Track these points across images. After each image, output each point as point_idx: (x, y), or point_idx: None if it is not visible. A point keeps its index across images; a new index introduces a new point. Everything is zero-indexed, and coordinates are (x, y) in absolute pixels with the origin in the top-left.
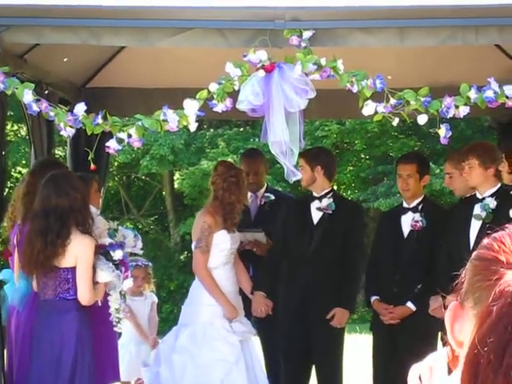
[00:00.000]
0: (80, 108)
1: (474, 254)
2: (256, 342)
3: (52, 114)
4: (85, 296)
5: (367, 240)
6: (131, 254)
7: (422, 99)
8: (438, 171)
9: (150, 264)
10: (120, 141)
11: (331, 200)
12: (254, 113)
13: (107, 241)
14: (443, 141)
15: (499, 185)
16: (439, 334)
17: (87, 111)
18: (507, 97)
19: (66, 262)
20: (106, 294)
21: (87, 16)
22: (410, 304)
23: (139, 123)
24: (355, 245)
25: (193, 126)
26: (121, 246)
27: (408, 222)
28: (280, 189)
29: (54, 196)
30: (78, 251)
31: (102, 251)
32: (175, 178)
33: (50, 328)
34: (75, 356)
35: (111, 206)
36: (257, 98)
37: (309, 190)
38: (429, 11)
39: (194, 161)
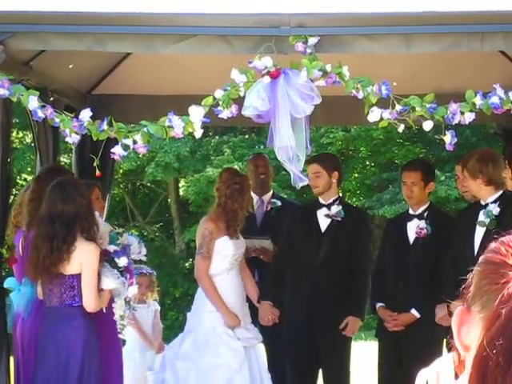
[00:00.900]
0: (85, 114)
1: (482, 257)
2: (262, 349)
3: (57, 120)
4: (90, 303)
5: (372, 247)
6: (136, 262)
7: (428, 105)
8: (443, 178)
9: (154, 272)
10: (125, 147)
11: (340, 207)
12: (259, 119)
13: (112, 248)
14: (449, 147)
15: (501, 191)
16: (444, 341)
17: (92, 118)
18: None
19: (71, 268)
20: (111, 301)
21: (92, 22)
22: (413, 311)
23: (145, 129)
24: (363, 252)
25: (198, 133)
26: (124, 249)
27: (413, 228)
28: (285, 196)
29: (60, 202)
30: (82, 258)
31: (106, 258)
32: (180, 185)
33: (55, 335)
34: (82, 363)
35: (116, 214)
36: (262, 103)
37: (314, 197)
38: (434, 17)
39: (199, 168)
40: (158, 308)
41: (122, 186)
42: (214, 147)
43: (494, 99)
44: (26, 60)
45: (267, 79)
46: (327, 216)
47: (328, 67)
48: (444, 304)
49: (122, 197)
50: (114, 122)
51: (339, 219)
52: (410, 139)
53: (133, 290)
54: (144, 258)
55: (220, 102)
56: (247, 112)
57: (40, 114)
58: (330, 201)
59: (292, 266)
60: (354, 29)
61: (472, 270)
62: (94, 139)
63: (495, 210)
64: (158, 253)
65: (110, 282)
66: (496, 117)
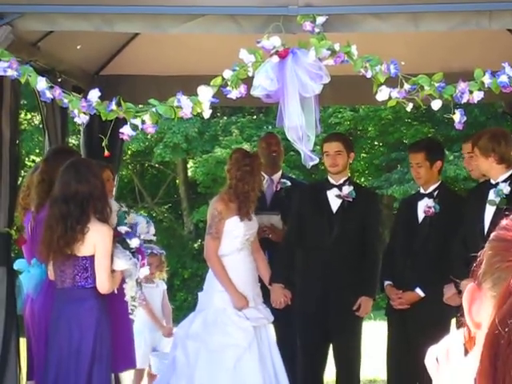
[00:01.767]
0: (94, 94)
1: (493, 234)
2: (272, 328)
3: (66, 100)
4: (104, 285)
5: (381, 227)
6: (144, 241)
7: (436, 84)
8: (451, 158)
9: (164, 252)
10: (134, 127)
11: (351, 188)
12: (268, 99)
13: (123, 229)
14: (458, 126)
15: None
16: (453, 320)
17: (101, 98)
18: None
19: (84, 250)
20: (122, 282)
21: (100, 3)
22: (418, 290)
23: (153, 109)
24: (373, 232)
25: (207, 113)
26: (131, 228)
27: (423, 208)
28: (294, 176)
29: (74, 182)
30: (96, 239)
31: (118, 239)
32: (189, 166)
33: (68, 317)
34: (94, 344)
35: (125, 195)
36: (271, 83)
37: (323, 178)
38: None
39: (207, 149)
40: (165, 287)
41: (130, 167)
42: (222, 128)
43: (503, 78)
44: (34, 41)
45: (276, 59)
46: (338, 196)
47: (336, 46)
48: (452, 283)
49: (131, 178)
50: (122, 101)
51: (350, 200)
52: (418, 119)
53: (144, 271)
54: (153, 238)
55: (229, 83)
56: (256, 92)
57: (48, 94)
58: (341, 181)
59: (302, 247)
60: (361, 8)
61: (482, 249)
62: (103, 119)
63: (506, 188)
64: (167, 234)
65: (122, 263)
66: (504, 95)
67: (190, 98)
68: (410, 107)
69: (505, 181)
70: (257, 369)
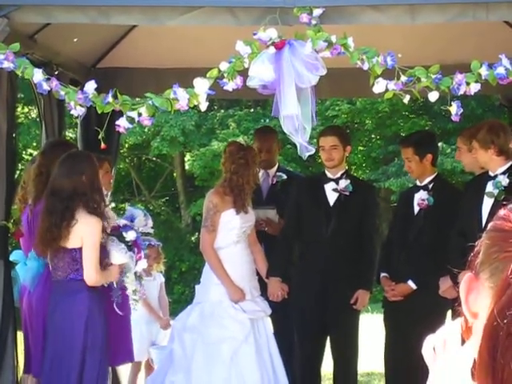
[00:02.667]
0: (90, 86)
1: (491, 224)
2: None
3: (62, 92)
4: (90, 277)
5: (378, 220)
6: (142, 234)
7: (433, 76)
8: (448, 151)
9: (161, 244)
10: (131, 120)
11: (348, 181)
12: (264, 89)
13: (122, 222)
14: (455, 118)
15: (511, 162)
16: (448, 313)
17: (97, 91)
18: None
19: (72, 242)
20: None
21: None
22: (410, 282)
23: (150, 102)
24: (371, 225)
25: (203, 106)
26: (132, 221)
27: (418, 200)
28: (291, 169)
29: (58, 177)
30: (83, 232)
31: (115, 233)
32: (186, 159)
33: (60, 309)
34: (85, 336)
35: (122, 188)
36: (267, 74)
37: (320, 171)
38: None
39: (204, 142)
40: (163, 280)
41: (127, 160)
42: (219, 121)
43: (500, 70)
44: (30, 34)
45: (272, 50)
46: (335, 190)
47: (333, 38)
48: (447, 276)
49: (128, 171)
50: (119, 94)
51: (347, 193)
52: (415, 112)
53: (142, 265)
54: (151, 231)
55: (225, 75)
56: (252, 83)
57: (45, 86)
58: (338, 175)
59: (300, 240)
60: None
61: (479, 239)
62: (99, 112)
63: (504, 180)
64: (164, 227)
65: (120, 256)
66: (501, 87)
67: (186, 90)
68: (407, 99)
69: (503, 173)
70: (254, 361)
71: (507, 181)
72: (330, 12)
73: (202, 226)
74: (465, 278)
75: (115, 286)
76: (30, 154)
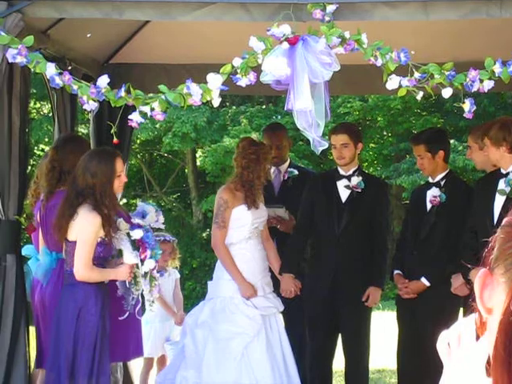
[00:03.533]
0: (103, 80)
1: (505, 220)
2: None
3: (75, 87)
4: (78, 271)
5: (390, 217)
6: (154, 230)
7: (447, 73)
8: (460, 148)
9: (176, 240)
10: (143, 114)
11: (360, 178)
12: (278, 85)
13: (136, 220)
14: (468, 115)
15: None
16: (461, 310)
17: (110, 87)
18: None
19: (71, 235)
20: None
21: None
22: (423, 279)
23: (162, 97)
24: (382, 222)
25: (216, 101)
26: (143, 216)
27: (430, 197)
28: (302, 166)
29: (82, 171)
30: (79, 226)
31: (126, 232)
32: (197, 155)
33: (60, 302)
34: (76, 331)
35: (134, 184)
36: (281, 69)
37: (332, 167)
38: None
39: (216, 138)
40: (178, 276)
41: (139, 156)
42: (231, 117)
43: None
44: (43, 29)
45: (285, 45)
46: (347, 187)
47: (347, 34)
48: (459, 274)
49: (140, 167)
50: (131, 89)
51: (359, 190)
52: (427, 109)
53: (149, 264)
54: (162, 226)
55: (238, 70)
56: (266, 78)
57: (58, 80)
58: (350, 172)
59: (312, 237)
60: None
61: (493, 235)
62: (112, 105)
63: None
64: (176, 223)
65: (131, 256)
66: None
67: (199, 86)
68: (420, 95)
69: None
70: (264, 357)
71: None
72: (343, 8)
73: (213, 222)
74: (479, 273)
75: (126, 294)
76: (42, 150)
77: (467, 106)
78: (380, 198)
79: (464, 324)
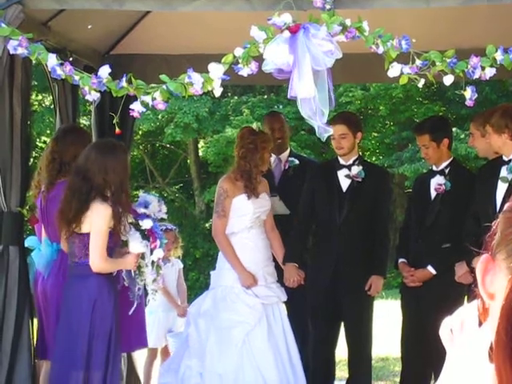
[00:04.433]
0: (104, 71)
1: (507, 205)
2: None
3: (76, 77)
4: (95, 263)
5: (392, 205)
6: (158, 220)
7: (448, 60)
8: (462, 136)
9: (177, 228)
10: (145, 104)
11: (360, 168)
12: (280, 74)
13: (141, 210)
14: (469, 103)
15: None
16: (465, 298)
17: (111, 77)
18: None
19: (83, 227)
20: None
21: None
22: (430, 268)
23: (164, 87)
24: (384, 211)
25: (217, 91)
26: (145, 207)
27: (435, 185)
28: (304, 155)
29: (91, 165)
30: (92, 218)
31: (131, 221)
32: (200, 145)
33: (71, 293)
34: (92, 323)
35: (136, 175)
36: (282, 57)
37: (333, 156)
38: None
39: (218, 128)
40: (181, 266)
41: (141, 147)
42: (232, 107)
43: None
44: (44, 20)
45: (287, 34)
46: (347, 176)
47: (347, 22)
48: (463, 262)
49: (142, 158)
50: (133, 79)
51: (359, 180)
52: (429, 97)
53: (158, 254)
54: (165, 216)
55: (240, 60)
56: (268, 67)
57: (59, 71)
58: (350, 161)
59: (314, 226)
60: None
61: (495, 220)
62: (114, 95)
63: None
64: (179, 214)
65: (137, 246)
66: None
67: (200, 75)
68: (421, 83)
69: None
70: (266, 345)
71: None
72: None
73: (213, 211)
74: (481, 259)
75: (132, 285)
76: (44, 142)
77: (468, 93)
78: (381, 187)
79: (467, 310)
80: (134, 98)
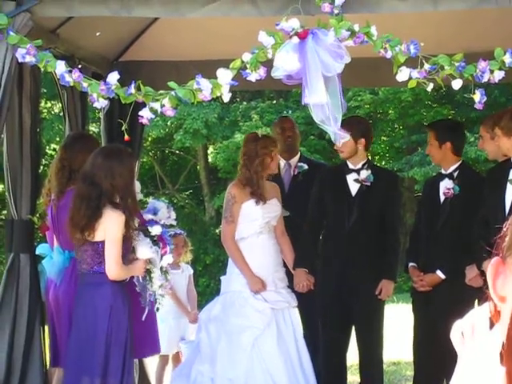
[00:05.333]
0: (113, 77)
1: None
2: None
3: (85, 84)
4: (111, 271)
5: (402, 209)
6: (166, 226)
7: (457, 64)
8: (472, 139)
9: (185, 232)
10: (154, 111)
11: (369, 172)
12: (290, 80)
13: (148, 216)
14: (478, 106)
15: None
16: (476, 302)
17: (120, 83)
18: None
19: (97, 235)
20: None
21: None
22: (439, 272)
23: (172, 93)
24: (394, 214)
25: (226, 97)
26: (155, 213)
27: (444, 189)
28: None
29: (98, 170)
30: (106, 225)
31: (140, 227)
32: (209, 151)
33: (85, 301)
34: (109, 330)
35: (146, 182)
36: (292, 64)
37: (343, 160)
38: None
39: (227, 134)
40: (191, 272)
41: (151, 153)
42: (241, 113)
43: None
44: (52, 28)
45: (295, 40)
46: (356, 181)
47: (356, 27)
48: (473, 265)
49: (152, 165)
50: (141, 85)
51: (368, 184)
52: (438, 101)
53: (167, 259)
54: (174, 223)
55: (248, 65)
56: (277, 73)
57: (68, 78)
58: (359, 165)
59: (326, 230)
60: None
61: (505, 222)
62: (123, 102)
63: None
64: (189, 220)
65: (145, 251)
66: None
67: (209, 81)
68: (430, 87)
69: None
70: (275, 349)
71: None
72: (351, 1)
73: (222, 217)
74: (492, 261)
75: (143, 291)
76: (54, 149)
77: (477, 96)
78: (390, 191)
79: (477, 313)
80: (143, 105)
